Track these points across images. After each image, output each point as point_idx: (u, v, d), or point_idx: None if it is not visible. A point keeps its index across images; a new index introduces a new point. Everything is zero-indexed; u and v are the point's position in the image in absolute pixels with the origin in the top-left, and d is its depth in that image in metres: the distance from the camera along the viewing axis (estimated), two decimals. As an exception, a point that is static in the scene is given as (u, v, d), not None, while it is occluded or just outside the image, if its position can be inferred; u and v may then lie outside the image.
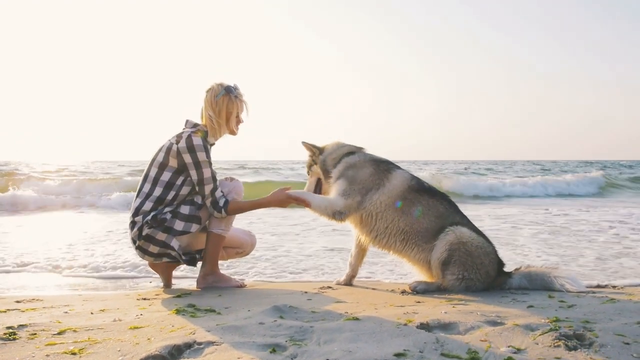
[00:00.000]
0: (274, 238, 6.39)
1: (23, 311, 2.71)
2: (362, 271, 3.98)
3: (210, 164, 3.37)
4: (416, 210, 3.28)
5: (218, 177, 3.46)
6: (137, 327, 2.30)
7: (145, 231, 3.28)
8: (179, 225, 3.31)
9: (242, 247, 3.77)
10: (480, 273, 3.19)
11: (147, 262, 3.63)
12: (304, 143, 3.69)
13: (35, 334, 2.20)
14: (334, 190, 3.44)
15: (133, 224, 3.32)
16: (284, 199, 3.46)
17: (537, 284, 3.27)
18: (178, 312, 2.62)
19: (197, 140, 3.34)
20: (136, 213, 3.32)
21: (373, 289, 3.57)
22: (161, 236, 3.29)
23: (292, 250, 5.58)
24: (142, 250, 3.36)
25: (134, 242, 3.34)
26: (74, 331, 2.25)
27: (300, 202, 3.41)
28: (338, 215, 3.34)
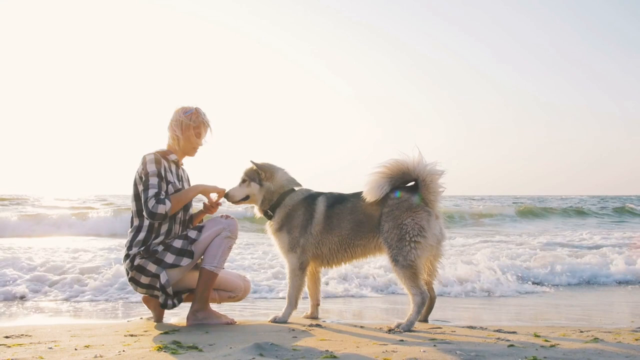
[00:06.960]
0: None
1: (9, 346, 2.75)
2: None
3: (160, 176, 3.38)
4: (335, 222, 3.63)
5: (215, 215, 3.53)
6: (116, 364, 2.33)
7: (137, 261, 3.36)
8: (169, 258, 3.37)
9: (234, 292, 3.78)
10: (415, 232, 3.37)
11: (141, 296, 3.69)
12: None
13: (15, 369, 2.23)
14: None
15: (127, 256, 3.43)
16: (204, 188, 3.58)
17: None
18: (160, 349, 2.64)
19: (149, 156, 3.44)
20: (130, 246, 3.43)
21: (361, 327, 3.56)
22: (151, 267, 3.36)
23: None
24: (135, 282, 3.42)
25: (127, 273, 3.43)
26: (54, 367, 2.28)
27: None
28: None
